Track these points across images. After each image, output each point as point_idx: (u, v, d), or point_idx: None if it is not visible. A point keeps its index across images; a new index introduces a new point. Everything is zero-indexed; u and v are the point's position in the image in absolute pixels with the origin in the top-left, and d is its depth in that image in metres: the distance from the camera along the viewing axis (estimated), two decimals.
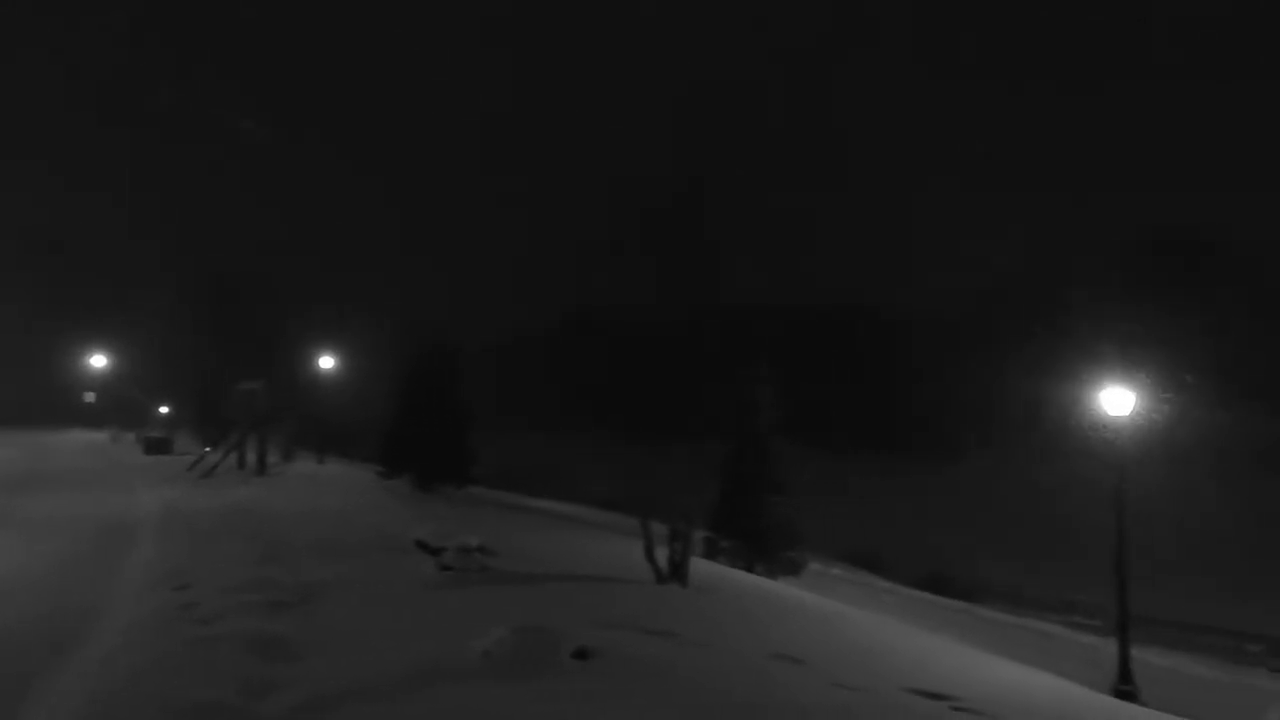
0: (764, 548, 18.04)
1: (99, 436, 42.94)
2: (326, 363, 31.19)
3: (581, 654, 6.16)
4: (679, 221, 64.89)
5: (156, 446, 35.80)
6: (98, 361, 51.20)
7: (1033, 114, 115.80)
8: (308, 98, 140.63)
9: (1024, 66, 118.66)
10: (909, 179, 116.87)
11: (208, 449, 28.44)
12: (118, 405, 48.54)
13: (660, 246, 65.24)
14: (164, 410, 46.33)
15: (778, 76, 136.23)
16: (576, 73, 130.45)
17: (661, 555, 10.85)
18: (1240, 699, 14.69)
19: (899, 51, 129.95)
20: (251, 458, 26.03)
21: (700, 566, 12.52)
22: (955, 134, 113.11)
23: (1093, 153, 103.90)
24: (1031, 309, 56.19)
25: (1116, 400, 13.90)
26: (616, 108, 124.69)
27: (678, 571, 10.72)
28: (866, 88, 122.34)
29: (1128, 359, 14.86)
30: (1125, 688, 12.97)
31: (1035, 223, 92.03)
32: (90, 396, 53.58)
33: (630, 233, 68.52)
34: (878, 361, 64.96)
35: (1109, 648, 14.13)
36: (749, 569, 17.90)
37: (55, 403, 53.57)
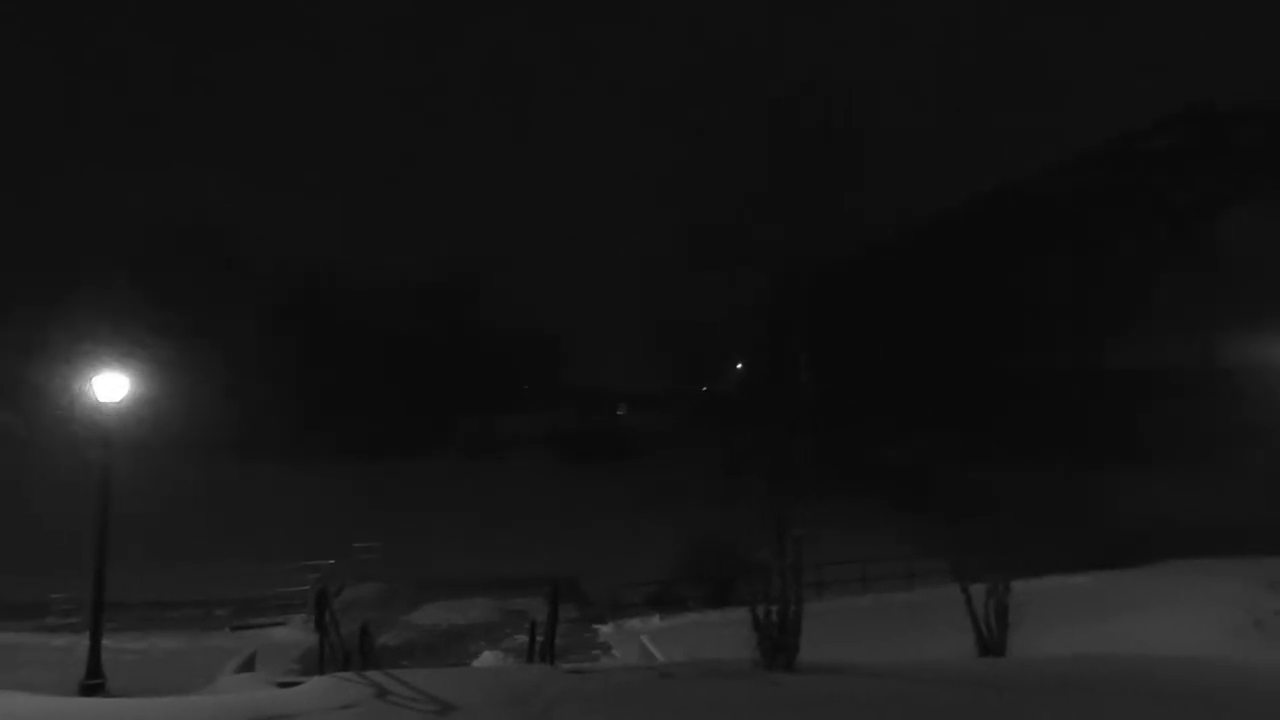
0: None
1: None
2: None
3: None
4: None
5: None
6: None
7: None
8: None
9: None
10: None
11: None
12: None
13: None
14: None
15: None
16: None
17: None
18: (206, 660, 15.94)
19: None
20: None
21: None
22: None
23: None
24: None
25: (110, 385, 13.50)
26: None
27: None
28: None
29: (128, 345, 14.71)
30: (92, 682, 12.70)
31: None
32: None
33: None
34: None
35: (84, 643, 13.49)
36: None
37: None
